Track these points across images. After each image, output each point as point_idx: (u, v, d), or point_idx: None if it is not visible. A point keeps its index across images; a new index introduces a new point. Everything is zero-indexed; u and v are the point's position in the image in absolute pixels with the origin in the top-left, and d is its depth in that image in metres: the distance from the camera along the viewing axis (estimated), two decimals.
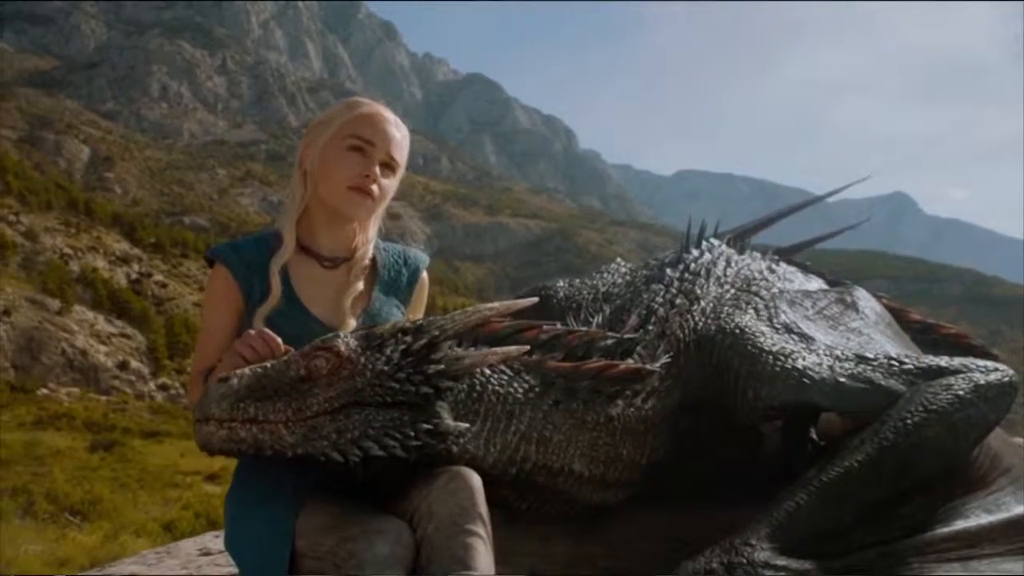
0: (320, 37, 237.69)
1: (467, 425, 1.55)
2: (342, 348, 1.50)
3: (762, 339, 1.80)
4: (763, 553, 1.50)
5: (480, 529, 1.45)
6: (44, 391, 28.34)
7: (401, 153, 1.78)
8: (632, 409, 1.74)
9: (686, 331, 1.88)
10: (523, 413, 1.63)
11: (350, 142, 1.73)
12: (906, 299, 2.96)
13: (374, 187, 1.73)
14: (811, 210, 2.73)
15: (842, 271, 2.66)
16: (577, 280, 2.34)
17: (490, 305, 1.65)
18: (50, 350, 34.37)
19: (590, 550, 1.83)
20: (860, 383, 1.69)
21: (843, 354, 1.77)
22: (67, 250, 48.95)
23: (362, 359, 1.50)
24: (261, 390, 1.46)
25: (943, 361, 1.74)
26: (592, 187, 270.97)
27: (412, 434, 1.49)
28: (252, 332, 1.58)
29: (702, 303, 1.96)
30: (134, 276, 50.84)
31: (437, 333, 1.56)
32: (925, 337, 2.40)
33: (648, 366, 1.76)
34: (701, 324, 1.89)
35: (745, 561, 1.49)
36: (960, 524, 1.63)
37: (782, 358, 1.75)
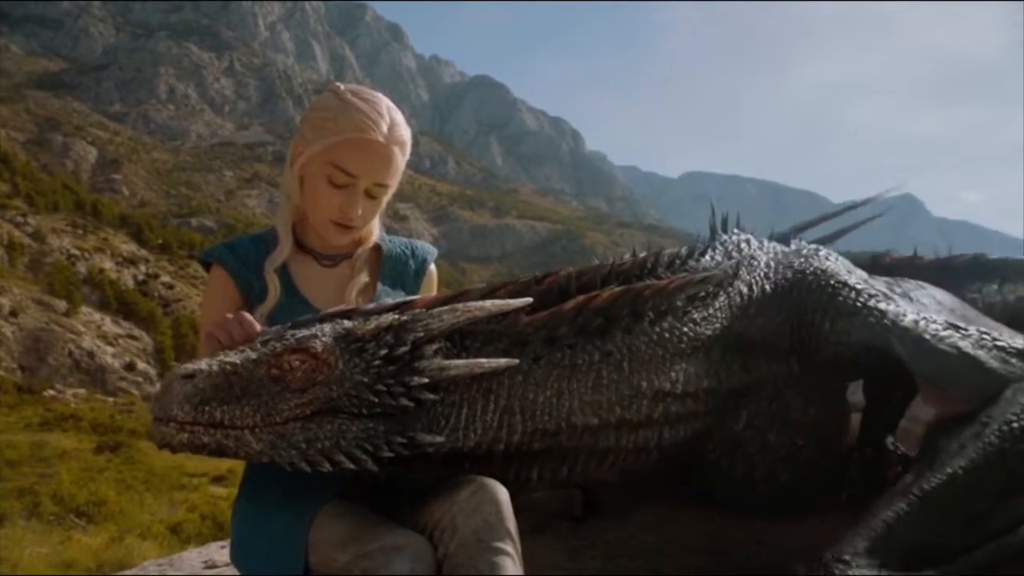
0: (327, 39, 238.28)
1: (441, 439, 1.41)
2: (318, 349, 1.36)
3: (846, 277, 1.71)
4: (859, 570, 1.35)
5: (508, 546, 1.33)
6: (51, 392, 28.37)
7: (391, 174, 1.65)
8: (635, 336, 1.54)
9: (756, 272, 1.73)
10: (501, 386, 1.46)
11: (332, 173, 1.60)
12: None
13: (357, 219, 1.64)
14: (816, 212, 2.71)
15: None
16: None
17: (480, 304, 1.47)
18: (57, 351, 34.45)
19: (624, 563, 1.70)
20: (945, 345, 1.56)
21: (930, 316, 1.65)
22: (74, 251, 49.08)
23: (340, 364, 1.37)
24: (228, 390, 1.33)
25: None
26: (599, 189, 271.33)
27: (385, 447, 1.37)
28: (230, 316, 1.46)
29: (762, 259, 1.79)
30: (141, 277, 50.99)
31: (422, 334, 1.41)
32: None
33: (646, 282, 1.57)
34: (773, 267, 1.76)
35: None
36: None
37: (866, 296, 1.66)
